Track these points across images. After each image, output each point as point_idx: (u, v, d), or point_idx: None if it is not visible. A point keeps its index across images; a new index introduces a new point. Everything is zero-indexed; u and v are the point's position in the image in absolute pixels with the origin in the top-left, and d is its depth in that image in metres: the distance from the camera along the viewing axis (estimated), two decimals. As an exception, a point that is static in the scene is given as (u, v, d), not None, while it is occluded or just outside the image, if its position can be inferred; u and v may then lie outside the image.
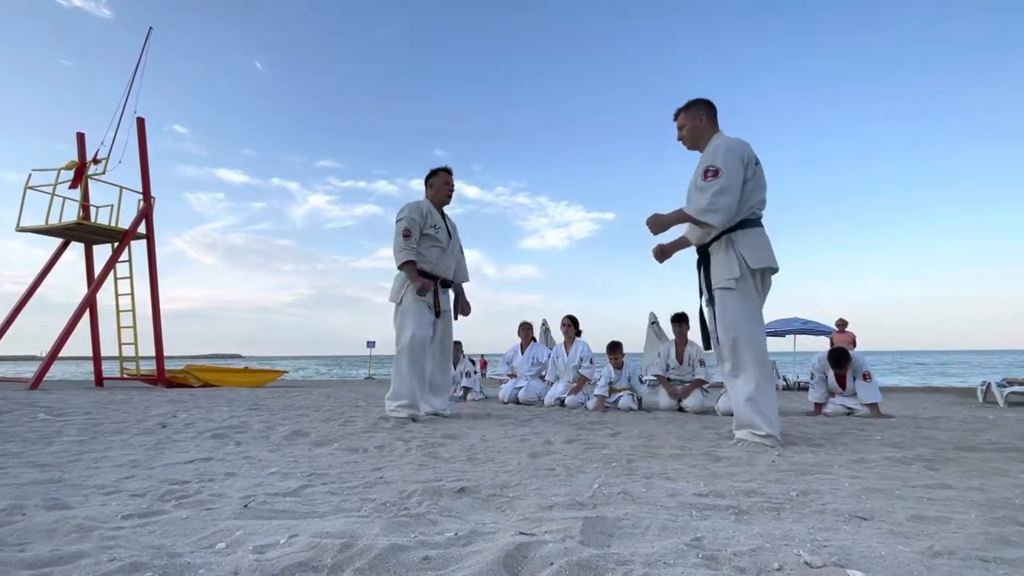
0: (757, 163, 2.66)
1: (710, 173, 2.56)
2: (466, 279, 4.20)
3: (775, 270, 2.69)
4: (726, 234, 2.67)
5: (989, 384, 7.29)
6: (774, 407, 2.55)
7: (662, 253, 2.89)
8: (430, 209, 3.83)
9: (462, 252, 4.19)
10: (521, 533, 1.11)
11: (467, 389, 6.56)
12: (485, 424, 3.49)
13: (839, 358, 4.52)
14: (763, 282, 2.67)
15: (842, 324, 10.01)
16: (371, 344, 18.08)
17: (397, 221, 3.72)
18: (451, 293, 4.06)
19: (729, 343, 2.60)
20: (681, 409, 4.84)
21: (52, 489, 1.59)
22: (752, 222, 2.67)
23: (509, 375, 6.11)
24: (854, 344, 9.62)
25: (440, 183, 3.90)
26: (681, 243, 2.91)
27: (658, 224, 2.71)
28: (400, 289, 3.74)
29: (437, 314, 3.80)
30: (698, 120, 2.77)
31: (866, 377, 4.48)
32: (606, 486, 1.62)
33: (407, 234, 3.65)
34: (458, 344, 6.99)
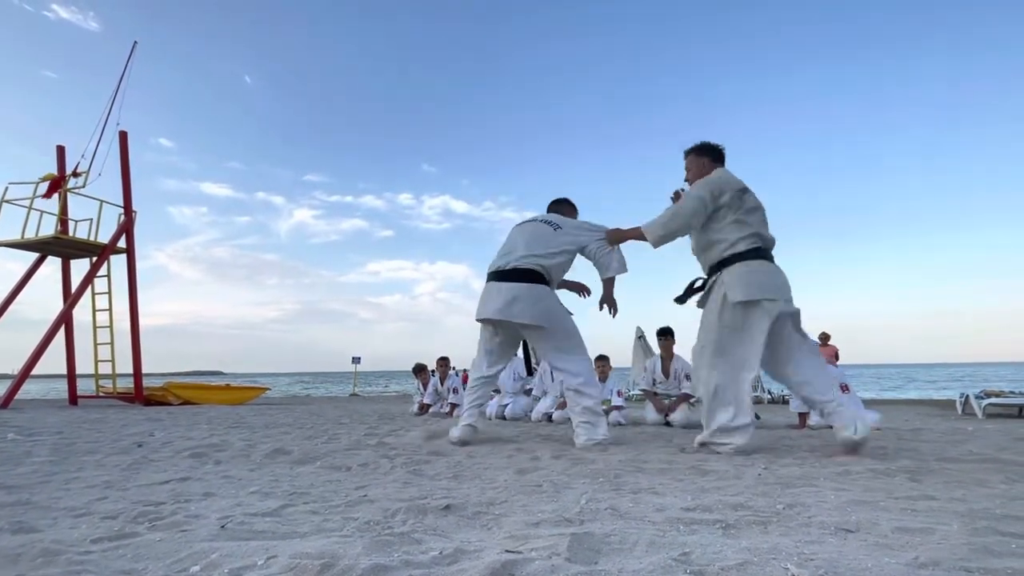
0: (745, 192, 2.74)
1: (679, 198, 2.81)
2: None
3: (758, 300, 2.63)
4: (719, 272, 2.76)
5: (968, 396, 7.43)
6: (720, 416, 2.71)
7: (616, 240, 3.17)
8: None
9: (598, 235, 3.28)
10: (507, 551, 1.09)
11: (454, 405, 6.49)
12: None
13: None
14: (745, 314, 2.65)
15: (824, 338, 10.15)
16: (356, 360, 17.84)
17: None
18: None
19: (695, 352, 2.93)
20: (668, 424, 4.84)
21: (19, 512, 1.53)
22: (741, 255, 2.69)
23: (494, 391, 6.07)
24: (836, 358, 9.74)
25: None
26: (636, 233, 3.07)
27: (616, 238, 3.13)
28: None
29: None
30: (702, 166, 2.96)
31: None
32: (593, 502, 1.61)
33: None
34: (446, 360, 6.93)
